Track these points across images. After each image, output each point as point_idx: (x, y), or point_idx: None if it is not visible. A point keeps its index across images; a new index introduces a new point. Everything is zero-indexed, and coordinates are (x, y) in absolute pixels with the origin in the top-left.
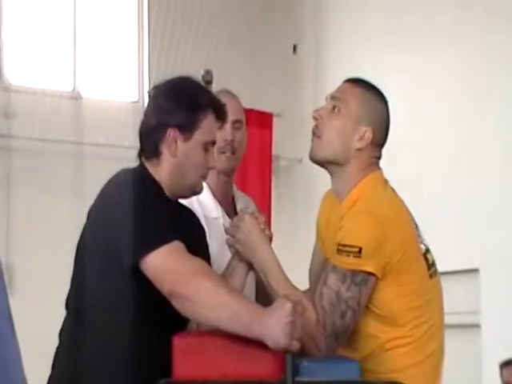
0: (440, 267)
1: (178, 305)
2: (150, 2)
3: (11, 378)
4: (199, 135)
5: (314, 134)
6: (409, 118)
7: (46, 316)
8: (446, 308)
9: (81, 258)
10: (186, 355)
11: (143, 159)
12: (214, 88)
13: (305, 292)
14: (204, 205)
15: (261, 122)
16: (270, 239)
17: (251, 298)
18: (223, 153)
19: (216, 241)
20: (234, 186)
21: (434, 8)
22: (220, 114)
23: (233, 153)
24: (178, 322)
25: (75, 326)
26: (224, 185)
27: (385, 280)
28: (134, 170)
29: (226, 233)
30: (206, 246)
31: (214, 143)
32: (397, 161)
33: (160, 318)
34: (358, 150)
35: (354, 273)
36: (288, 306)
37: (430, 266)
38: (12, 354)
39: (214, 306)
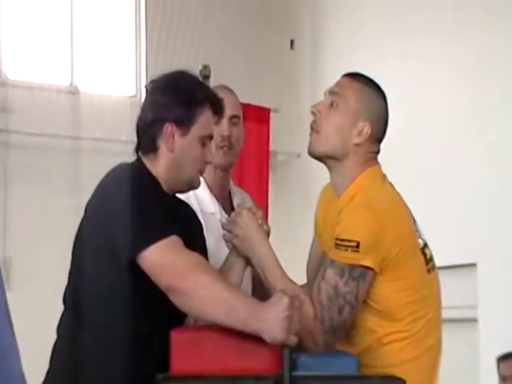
0: (437, 262)
1: (176, 299)
2: None
3: (9, 373)
4: (196, 130)
5: (312, 128)
6: (408, 113)
7: (44, 311)
8: (444, 302)
9: (78, 252)
10: (183, 350)
11: (140, 154)
12: (212, 83)
13: (302, 287)
14: (201, 200)
15: (258, 117)
16: (268, 234)
17: (248, 293)
18: (220, 148)
19: (213, 236)
20: (231, 182)
21: (433, 3)
22: (217, 108)
23: (230, 148)
24: (176, 317)
25: (73, 321)
26: (221, 180)
27: (382, 274)
28: (132, 164)
29: (223, 228)
30: (204, 241)
31: (211, 138)
32: (395, 156)
33: (157, 312)
34: (357, 144)
35: (352, 267)
36: (285, 300)
37: (428, 260)
38: (10, 349)
39: (211, 301)
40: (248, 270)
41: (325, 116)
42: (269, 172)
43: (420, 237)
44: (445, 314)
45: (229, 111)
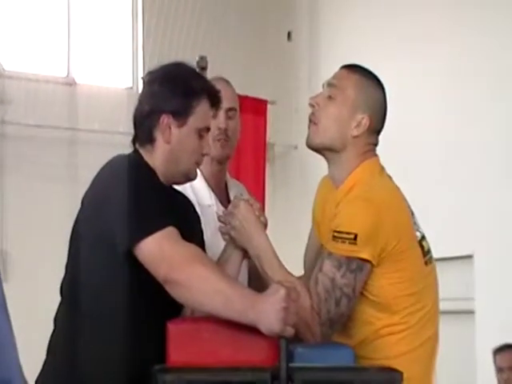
0: (434, 253)
1: (172, 291)
2: None
3: (6, 364)
4: (193, 121)
5: (310, 121)
6: (406, 103)
7: (41, 302)
8: (440, 294)
9: (75, 244)
10: (180, 341)
11: (137, 145)
12: (209, 74)
13: (300, 278)
14: (197, 192)
15: (255, 108)
16: (265, 226)
17: (244, 284)
18: (217, 141)
19: (209, 228)
20: (228, 174)
21: None
22: (214, 100)
23: (226, 141)
24: (173, 308)
25: (70, 312)
26: (217, 172)
27: (380, 267)
28: (129, 156)
29: (219, 220)
30: (201, 232)
31: (208, 129)
32: (391, 148)
33: (154, 304)
34: (355, 136)
35: (350, 260)
36: (282, 292)
37: (426, 253)
38: (7, 341)
39: (208, 292)
40: (244, 262)
41: (323, 108)
42: (266, 164)
43: (418, 229)
44: (441, 305)
45: (226, 104)
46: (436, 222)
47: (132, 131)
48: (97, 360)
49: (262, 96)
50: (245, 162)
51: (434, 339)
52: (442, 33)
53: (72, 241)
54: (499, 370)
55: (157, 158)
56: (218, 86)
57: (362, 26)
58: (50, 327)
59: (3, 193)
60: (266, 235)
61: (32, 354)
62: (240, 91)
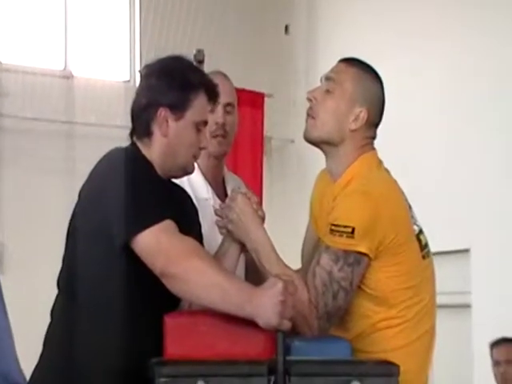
0: (431, 247)
1: (170, 284)
2: None
3: (3, 357)
4: (191, 115)
5: (308, 115)
6: (404, 97)
7: (38, 295)
8: (437, 288)
9: (72, 237)
10: (177, 334)
11: (135, 139)
12: (206, 67)
13: (297, 271)
14: (194, 186)
15: (252, 101)
16: (263, 219)
17: (242, 278)
18: (215, 137)
19: (206, 222)
20: (225, 168)
21: None
22: (212, 94)
23: (224, 137)
24: (170, 302)
25: (67, 305)
26: (214, 167)
27: (377, 260)
28: (126, 149)
29: (216, 214)
30: (199, 225)
31: (205, 123)
32: (389, 141)
33: (151, 297)
34: (353, 130)
35: (347, 253)
36: (279, 285)
37: (423, 247)
38: (4, 334)
39: (205, 286)
40: (241, 256)
41: (321, 102)
42: (263, 157)
43: (415, 223)
44: (438, 299)
45: (224, 99)
46: (433, 216)
47: (129, 124)
48: (93, 353)
49: (258, 89)
50: (242, 156)
51: (431, 333)
52: (441, 29)
53: (69, 234)
54: (496, 363)
55: (154, 151)
56: (216, 80)
57: (360, 20)
58: (47, 320)
59: (0, 186)
60: (264, 228)
61: (29, 346)
62: (237, 84)
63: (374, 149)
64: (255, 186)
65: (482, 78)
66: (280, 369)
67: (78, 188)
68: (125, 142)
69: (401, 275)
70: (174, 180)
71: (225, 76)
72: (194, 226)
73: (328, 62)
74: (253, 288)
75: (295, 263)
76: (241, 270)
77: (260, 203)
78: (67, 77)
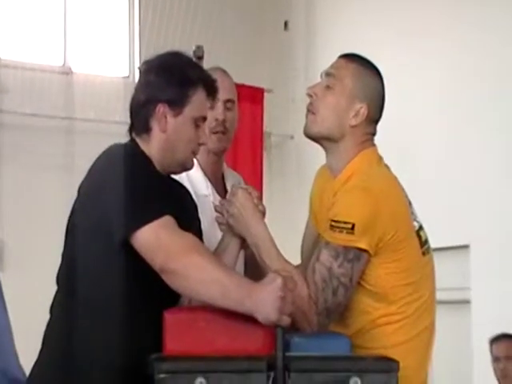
0: (430, 243)
1: (169, 280)
2: None
3: (3, 353)
4: (189, 111)
5: (308, 110)
6: (404, 93)
7: (37, 291)
8: (436, 284)
9: (71, 233)
10: (177, 330)
11: (134, 135)
12: (205, 63)
13: (297, 267)
14: (194, 182)
15: (252, 97)
16: (263, 214)
17: (241, 273)
18: (215, 133)
19: (205, 218)
20: (225, 164)
21: None
22: (211, 89)
23: (224, 133)
24: (170, 298)
25: (66, 301)
26: (214, 163)
27: (377, 257)
28: (125, 145)
29: (216, 210)
30: (198, 221)
31: (204, 119)
32: (390, 139)
33: (151, 293)
34: (353, 126)
35: (347, 249)
36: (278, 281)
37: (423, 243)
38: (3, 330)
39: (204, 281)
40: (241, 252)
41: (321, 98)
42: (263, 152)
43: (415, 219)
44: (437, 295)
45: (224, 95)
46: (432, 212)
47: (128, 120)
48: (93, 349)
49: (258, 85)
50: (242, 151)
51: (430, 329)
52: (440, 27)
53: (68, 230)
54: (496, 359)
55: (153, 147)
56: (216, 76)
57: (359, 16)
58: (47, 316)
59: None
60: (265, 223)
61: (29, 342)
62: (237, 80)
63: (374, 145)
64: (255, 181)
65: (482, 76)
66: (279, 365)
67: (77, 184)
68: (124, 138)
69: (401, 271)
70: (174, 176)
71: (224, 72)
72: (194, 221)
73: (327, 58)
74: (252, 284)
75: (295, 259)
76: (240, 265)
77: (260, 198)
78: (66, 73)
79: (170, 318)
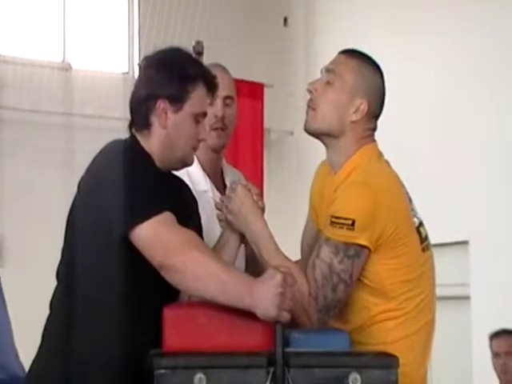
0: (429, 239)
1: (169, 276)
2: None
3: (2, 349)
4: (189, 107)
5: (308, 106)
6: (403, 89)
7: (37, 286)
8: (436, 280)
9: (71, 228)
10: (176, 326)
11: (134, 131)
12: (205, 59)
13: (296, 263)
14: (193, 177)
15: (252, 92)
16: (263, 210)
17: (241, 269)
18: (214, 130)
19: (205, 214)
20: (224, 160)
21: None
22: (211, 85)
23: (223, 130)
24: (169, 293)
25: (65, 297)
26: (213, 159)
27: (377, 253)
28: (125, 141)
29: (216, 208)
30: (198, 217)
31: (204, 115)
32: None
33: (151, 289)
34: (353, 122)
35: (347, 245)
36: (278, 277)
37: (423, 239)
38: (2, 324)
39: (204, 277)
40: (242, 247)
41: (321, 94)
42: (263, 148)
43: (415, 216)
44: (437, 291)
45: (223, 91)
46: (432, 208)
47: (128, 116)
48: (92, 344)
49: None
50: (242, 146)
51: (430, 325)
52: (440, 22)
53: (68, 226)
54: (495, 355)
55: (153, 143)
56: (215, 73)
57: (358, 12)
58: (46, 312)
59: None
60: (264, 220)
61: (28, 338)
62: (236, 76)
63: (374, 141)
64: (255, 177)
65: (481, 73)
66: (279, 360)
67: (76, 180)
68: (124, 134)
69: (401, 268)
70: (174, 171)
71: (224, 69)
72: (194, 217)
73: (327, 53)
74: (252, 279)
75: (294, 255)
76: (241, 261)
77: (260, 195)
78: (66, 68)
79: (169, 313)
